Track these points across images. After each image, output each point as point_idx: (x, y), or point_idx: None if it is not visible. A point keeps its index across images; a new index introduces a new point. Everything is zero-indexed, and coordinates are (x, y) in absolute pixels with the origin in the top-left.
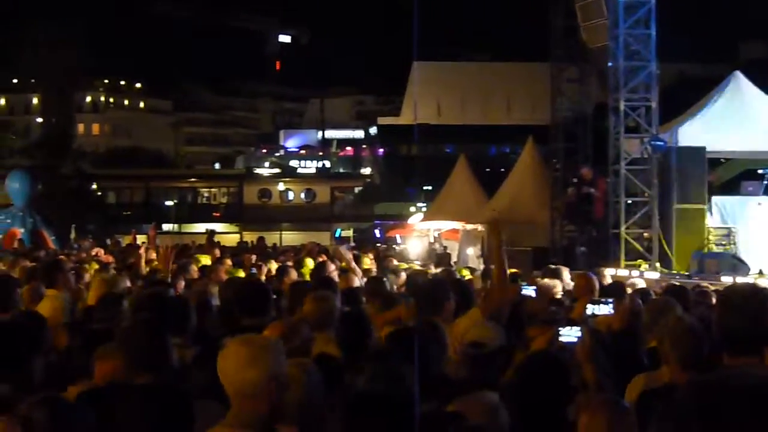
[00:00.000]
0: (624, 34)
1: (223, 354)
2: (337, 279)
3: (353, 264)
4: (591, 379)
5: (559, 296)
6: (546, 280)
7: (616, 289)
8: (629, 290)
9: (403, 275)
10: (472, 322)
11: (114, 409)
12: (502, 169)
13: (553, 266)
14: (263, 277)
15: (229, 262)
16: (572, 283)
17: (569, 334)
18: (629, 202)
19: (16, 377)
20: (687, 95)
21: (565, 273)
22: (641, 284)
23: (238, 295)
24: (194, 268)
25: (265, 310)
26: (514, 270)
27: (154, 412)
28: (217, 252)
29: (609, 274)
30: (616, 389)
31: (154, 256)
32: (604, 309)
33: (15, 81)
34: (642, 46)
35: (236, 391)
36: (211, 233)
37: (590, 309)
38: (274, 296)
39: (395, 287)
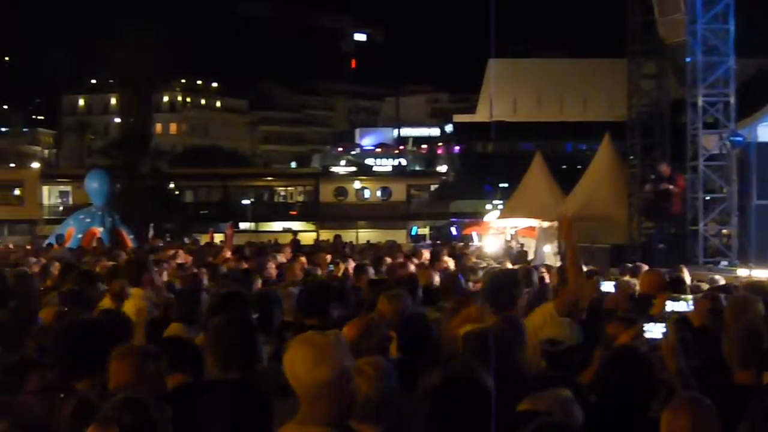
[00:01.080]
0: (702, 29)
1: (288, 356)
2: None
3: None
4: (675, 375)
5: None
6: (625, 278)
7: (693, 287)
8: (706, 287)
9: (481, 273)
10: (544, 317)
11: (202, 406)
12: (579, 166)
13: (631, 264)
14: (340, 275)
15: (304, 260)
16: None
17: (654, 330)
18: (707, 198)
19: (98, 377)
20: (765, 90)
21: (645, 270)
22: (721, 281)
23: (299, 297)
24: (272, 266)
25: (325, 310)
26: (591, 267)
27: (242, 409)
28: (289, 251)
29: (688, 271)
30: (699, 386)
31: (229, 255)
32: (684, 306)
33: (93, 81)
34: (720, 41)
35: (306, 390)
36: (294, 234)
37: (670, 306)
38: (353, 293)
39: (472, 285)
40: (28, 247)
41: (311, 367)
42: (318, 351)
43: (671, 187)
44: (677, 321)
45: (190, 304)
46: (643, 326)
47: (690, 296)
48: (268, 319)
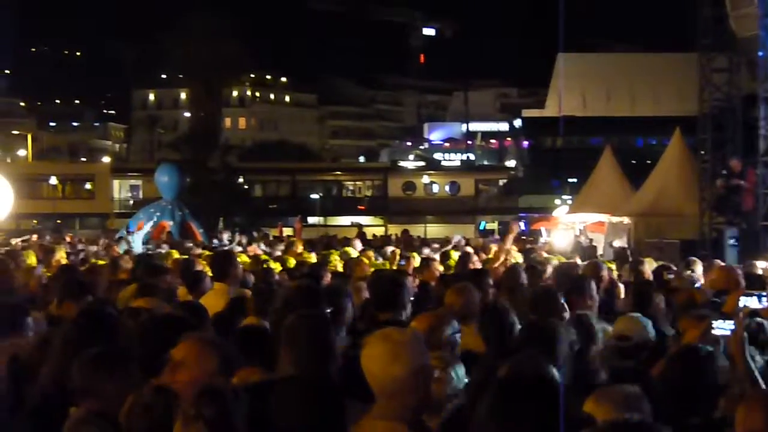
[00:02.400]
0: None
1: (365, 352)
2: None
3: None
4: (742, 371)
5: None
6: (687, 272)
7: (757, 281)
8: None
9: (550, 268)
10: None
11: (278, 402)
12: (649, 161)
13: (702, 259)
14: (410, 270)
15: (371, 254)
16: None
17: (723, 327)
18: None
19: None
20: None
21: (698, 265)
22: None
23: (372, 290)
24: (337, 259)
25: (399, 305)
26: (662, 262)
27: (318, 405)
28: (358, 244)
29: (761, 266)
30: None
31: (300, 248)
32: (757, 302)
33: (163, 76)
34: None
35: (382, 387)
36: (360, 228)
37: (743, 301)
38: (422, 288)
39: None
40: (101, 242)
41: (388, 363)
42: (395, 347)
43: (742, 182)
44: (747, 316)
45: (264, 298)
46: (711, 323)
47: (765, 292)
48: (341, 314)
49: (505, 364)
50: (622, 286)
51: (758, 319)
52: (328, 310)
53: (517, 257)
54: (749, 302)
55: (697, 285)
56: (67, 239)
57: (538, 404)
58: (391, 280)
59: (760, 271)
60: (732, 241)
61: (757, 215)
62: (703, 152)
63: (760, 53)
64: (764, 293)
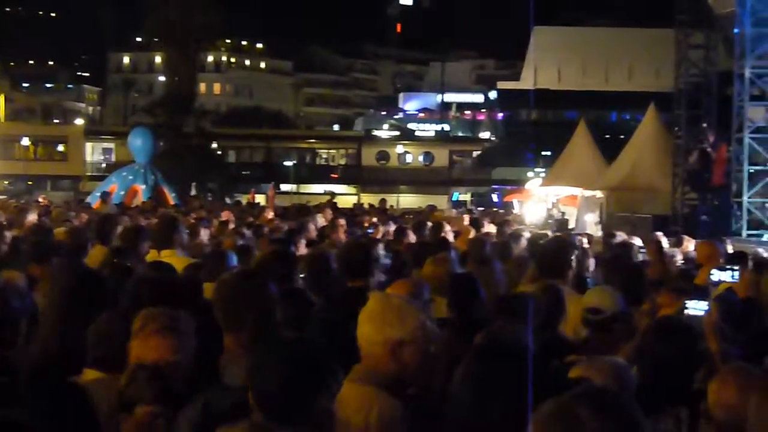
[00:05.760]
0: (751, 0)
1: (364, 312)
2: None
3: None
4: (716, 351)
5: (679, 263)
6: (668, 247)
7: (739, 258)
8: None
9: (524, 240)
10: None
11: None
12: (622, 136)
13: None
14: (379, 237)
15: (342, 222)
16: (693, 251)
17: (697, 308)
18: (752, 171)
19: None
20: None
21: (689, 242)
22: (765, 254)
23: (341, 258)
24: (312, 227)
25: (367, 272)
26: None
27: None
28: (330, 213)
29: (731, 242)
30: (744, 356)
31: (272, 215)
32: (729, 276)
33: (139, 40)
34: None
35: (360, 347)
36: (332, 196)
37: (716, 275)
38: (394, 256)
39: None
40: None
41: (363, 323)
42: (376, 310)
43: (710, 150)
44: (720, 298)
45: (217, 263)
46: (686, 304)
47: (737, 267)
48: (317, 280)
49: (481, 333)
50: (592, 260)
51: (731, 296)
52: (302, 275)
53: (491, 229)
54: (722, 276)
55: (680, 261)
56: (40, 200)
57: (512, 371)
58: (359, 248)
59: (730, 248)
60: (704, 217)
61: (729, 192)
62: (677, 128)
63: (737, 30)
64: (736, 267)
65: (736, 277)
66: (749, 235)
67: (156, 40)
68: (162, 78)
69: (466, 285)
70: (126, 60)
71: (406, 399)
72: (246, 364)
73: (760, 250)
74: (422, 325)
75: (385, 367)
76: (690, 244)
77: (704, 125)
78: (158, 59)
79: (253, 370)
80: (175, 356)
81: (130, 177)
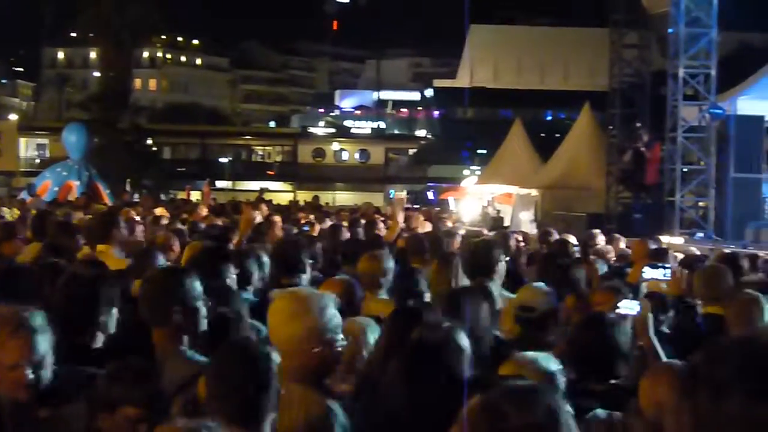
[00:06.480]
0: (685, 1)
1: (270, 308)
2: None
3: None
4: (648, 348)
5: (612, 261)
6: (601, 246)
7: (663, 255)
8: (680, 257)
9: (458, 238)
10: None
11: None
12: (558, 135)
13: (606, 233)
14: (315, 234)
15: (278, 218)
16: (627, 249)
17: (628, 307)
18: (685, 170)
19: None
20: (746, 65)
21: (621, 240)
22: (695, 252)
23: (275, 255)
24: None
25: (301, 270)
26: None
27: None
28: (265, 209)
29: (665, 241)
30: (675, 354)
31: (205, 212)
32: (660, 274)
33: (74, 35)
34: (703, 12)
35: (279, 344)
36: (261, 192)
37: (647, 273)
38: (328, 254)
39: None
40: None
41: (284, 321)
42: (294, 306)
43: (644, 149)
44: (650, 297)
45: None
46: (617, 304)
47: (668, 264)
48: (249, 277)
49: (417, 328)
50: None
51: (661, 294)
52: (235, 273)
53: (426, 226)
54: (654, 273)
55: (613, 258)
56: None
57: (446, 367)
58: (291, 245)
59: (664, 245)
60: (637, 216)
61: (663, 190)
62: (611, 127)
63: (671, 30)
64: (668, 265)
65: (668, 274)
66: (681, 234)
67: (91, 35)
68: (97, 73)
69: (407, 280)
70: (61, 55)
71: (332, 393)
72: (205, 370)
73: (692, 248)
74: (329, 318)
75: (299, 362)
76: (621, 243)
77: (638, 124)
78: (93, 55)
79: (214, 373)
80: (37, 355)
81: (65, 173)
